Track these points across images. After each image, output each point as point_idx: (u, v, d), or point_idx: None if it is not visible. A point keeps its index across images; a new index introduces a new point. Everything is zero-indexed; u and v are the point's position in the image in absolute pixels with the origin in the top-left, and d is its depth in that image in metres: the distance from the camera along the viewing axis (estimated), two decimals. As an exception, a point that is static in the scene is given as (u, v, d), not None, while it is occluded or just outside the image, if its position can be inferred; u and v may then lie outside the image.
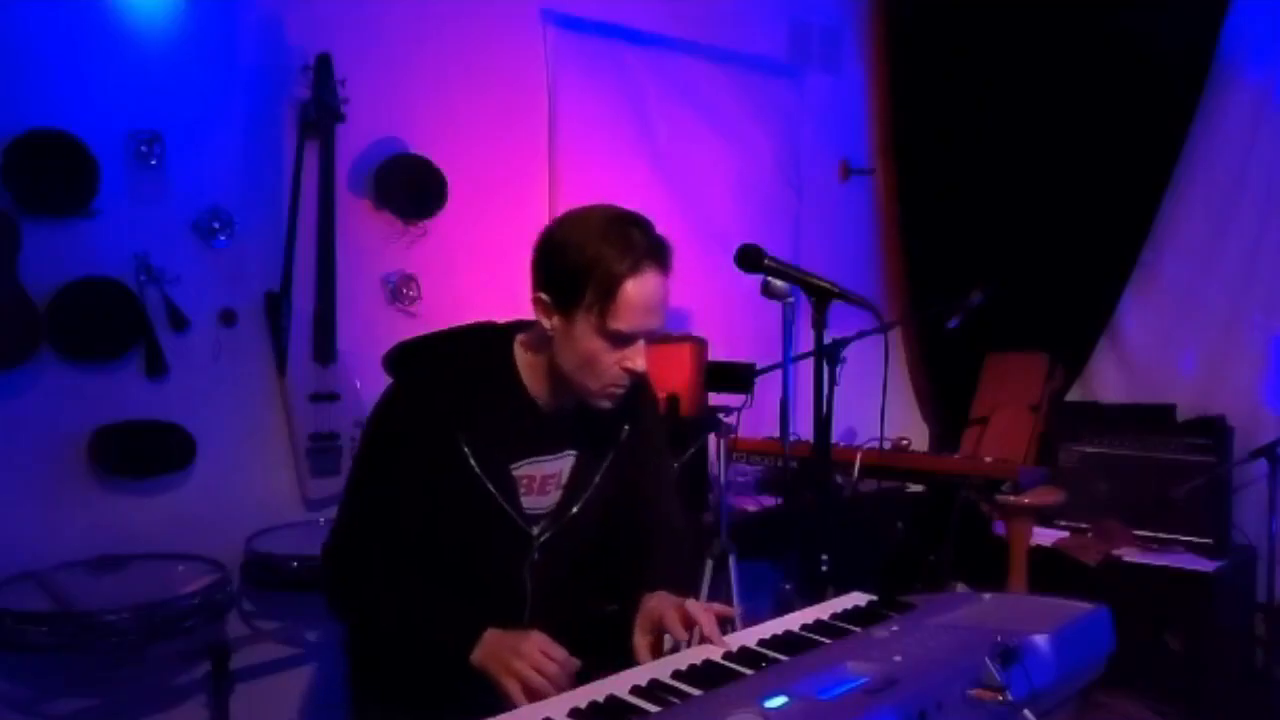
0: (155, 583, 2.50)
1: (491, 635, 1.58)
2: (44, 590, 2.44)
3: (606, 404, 1.66)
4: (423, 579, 1.69)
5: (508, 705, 1.45)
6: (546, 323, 1.62)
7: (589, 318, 1.57)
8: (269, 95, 2.99)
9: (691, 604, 1.61)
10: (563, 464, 1.74)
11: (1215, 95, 3.89)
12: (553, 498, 1.74)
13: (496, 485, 1.66)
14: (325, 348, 3.03)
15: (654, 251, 1.59)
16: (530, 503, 1.71)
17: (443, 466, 1.64)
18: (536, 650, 1.52)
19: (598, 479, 1.76)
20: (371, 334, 3.18)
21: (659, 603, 1.64)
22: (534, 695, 1.48)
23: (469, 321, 1.80)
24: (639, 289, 1.56)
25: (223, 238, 2.90)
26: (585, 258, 1.55)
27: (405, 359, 1.76)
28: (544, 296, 1.61)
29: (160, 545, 2.76)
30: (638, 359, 1.61)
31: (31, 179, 2.55)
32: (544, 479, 1.72)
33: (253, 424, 2.99)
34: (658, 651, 1.61)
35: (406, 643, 1.67)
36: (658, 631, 1.62)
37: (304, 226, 3.00)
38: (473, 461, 1.64)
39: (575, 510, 1.75)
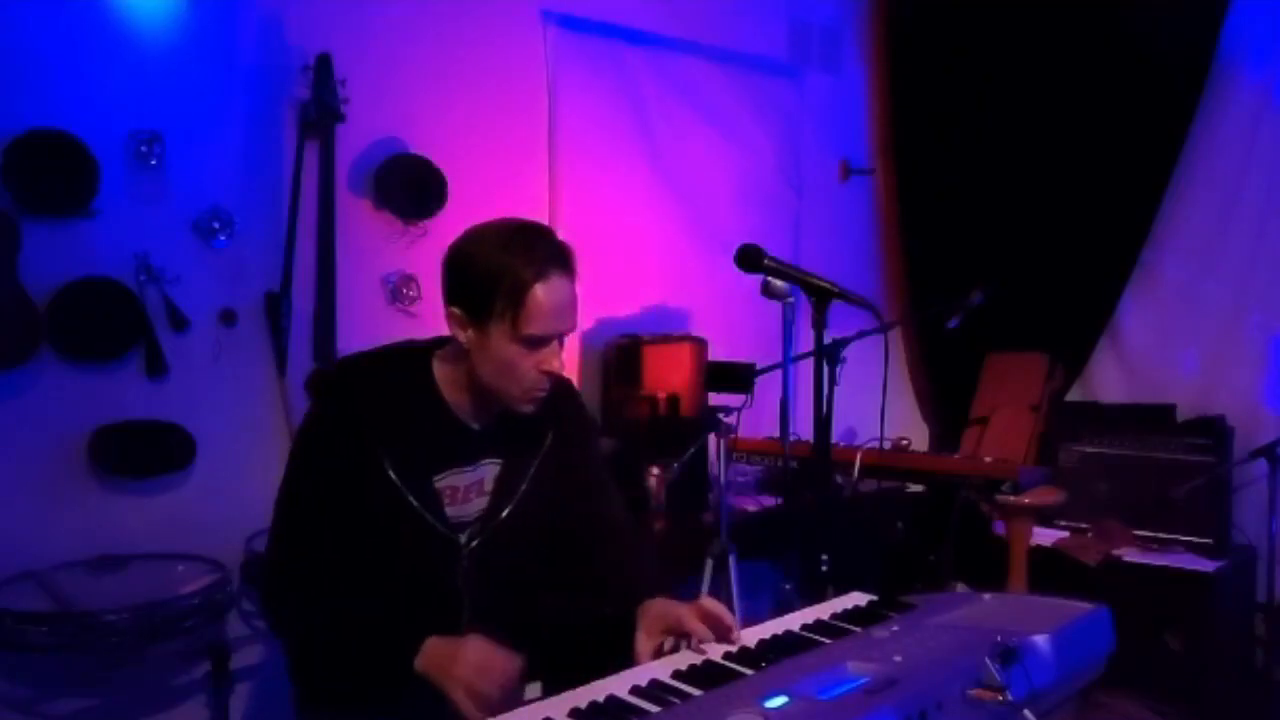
0: (155, 583, 2.50)
1: (432, 643, 1.60)
2: (44, 590, 2.44)
3: (529, 408, 1.71)
4: (359, 593, 1.71)
5: (455, 713, 1.49)
6: (462, 336, 1.67)
7: (502, 326, 1.62)
8: (269, 95, 2.99)
9: (708, 601, 1.64)
10: (485, 472, 1.77)
11: (1215, 95, 3.89)
12: (477, 505, 1.77)
13: (418, 497, 1.70)
14: (325, 348, 3.03)
15: (557, 257, 1.64)
16: (455, 512, 1.74)
17: (365, 481, 1.67)
18: (476, 655, 1.55)
19: (524, 485, 1.79)
20: (371, 334, 3.18)
21: (668, 607, 1.65)
22: (480, 699, 1.50)
23: (390, 342, 1.86)
24: (547, 293, 1.61)
25: (223, 238, 2.90)
26: (492, 269, 1.60)
27: (325, 380, 1.82)
28: (456, 310, 1.66)
29: (160, 545, 2.76)
30: (553, 360, 1.67)
31: (31, 179, 2.55)
32: (466, 488, 1.76)
33: (253, 424, 2.99)
34: (659, 654, 1.62)
35: (348, 655, 1.69)
36: (671, 633, 1.63)
37: (304, 226, 3.00)
38: (393, 475, 1.68)
39: (504, 515, 1.77)
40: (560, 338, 1.67)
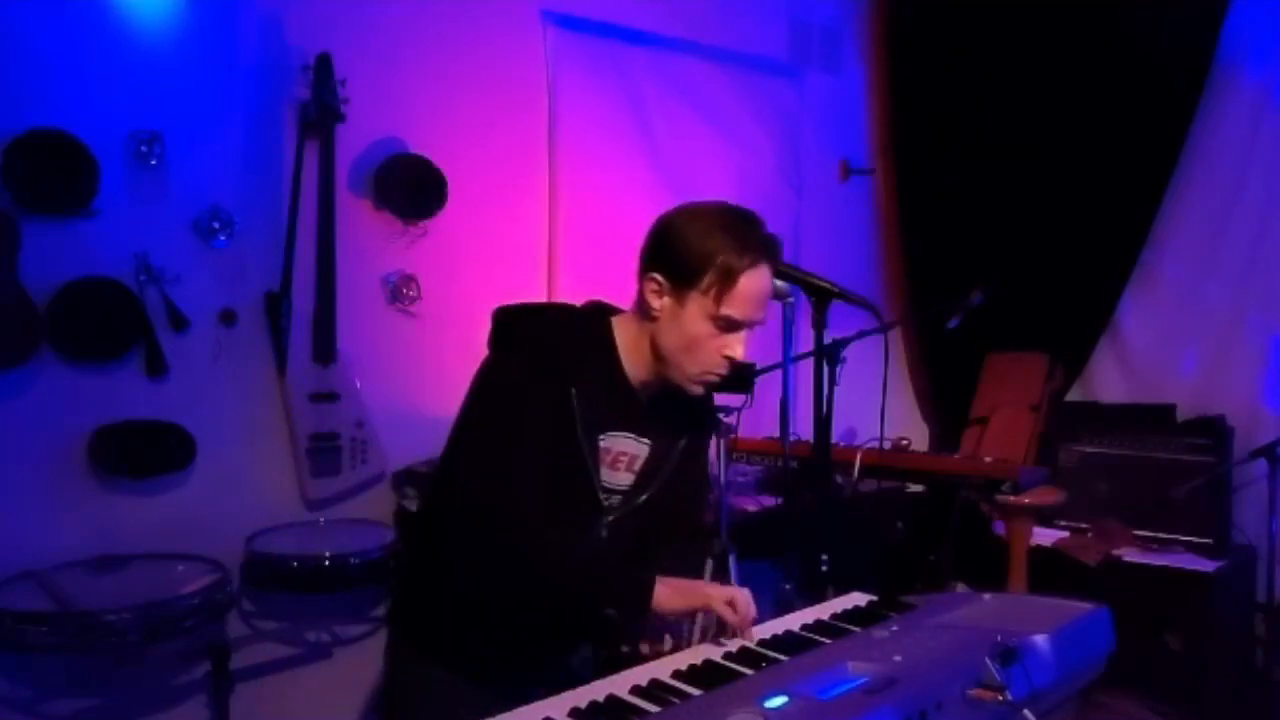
0: (155, 583, 2.50)
1: (667, 582, 1.62)
2: (44, 590, 2.44)
3: (698, 389, 1.73)
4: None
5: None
6: (656, 303, 1.68)
7: (703, 301, 1.64)
8: (269, 95, 3.00)
9: (740, 592, 1.66)
10: (636, 447, 1.78)
11: (1215, 95, 3.89)
12: (624, 479, 1.77)
13: (589, 449, 1.70)
14: (325, 348, 3.03)
15: (771, 248, 1.68)
16: (606, 476, 1.75)
17: (553, 421, 1.67)
18: (720, 585, 1.64)
19: (669, 471, 1.81)
20: (371, 334, 3.19)
21: (699, 585, 1.70)
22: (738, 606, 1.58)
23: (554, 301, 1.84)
24: (754, 281, 1.64)
25: (223, 238, 2.90)
26: (709, 246, 1.63)
27: (517, 317, 1.78)
28: (659, 277, 1.67)
29: (160, 545, 2.77)
30: (738, 347, 1.68)
31: (31, 179, 2.55)
32: (619, 456, 1.76)
33: (253, 424, 2.99)
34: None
35: (573, 594, 1.66)
36: (695, 611, 1.65)
37: (304, 226, 3.00)
38: (578, 418, 1.67)
39: (644, 498, 1.79)
40: (752, 327, 1.69)
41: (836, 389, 2.15)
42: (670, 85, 3.97)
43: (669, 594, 1.61)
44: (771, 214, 4.74)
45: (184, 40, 2.84)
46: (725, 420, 3.09)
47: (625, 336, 1.74)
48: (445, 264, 3.34)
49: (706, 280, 1.63)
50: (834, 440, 2.43)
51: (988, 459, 3.49)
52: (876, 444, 3.18)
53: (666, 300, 1.67)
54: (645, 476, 1.79)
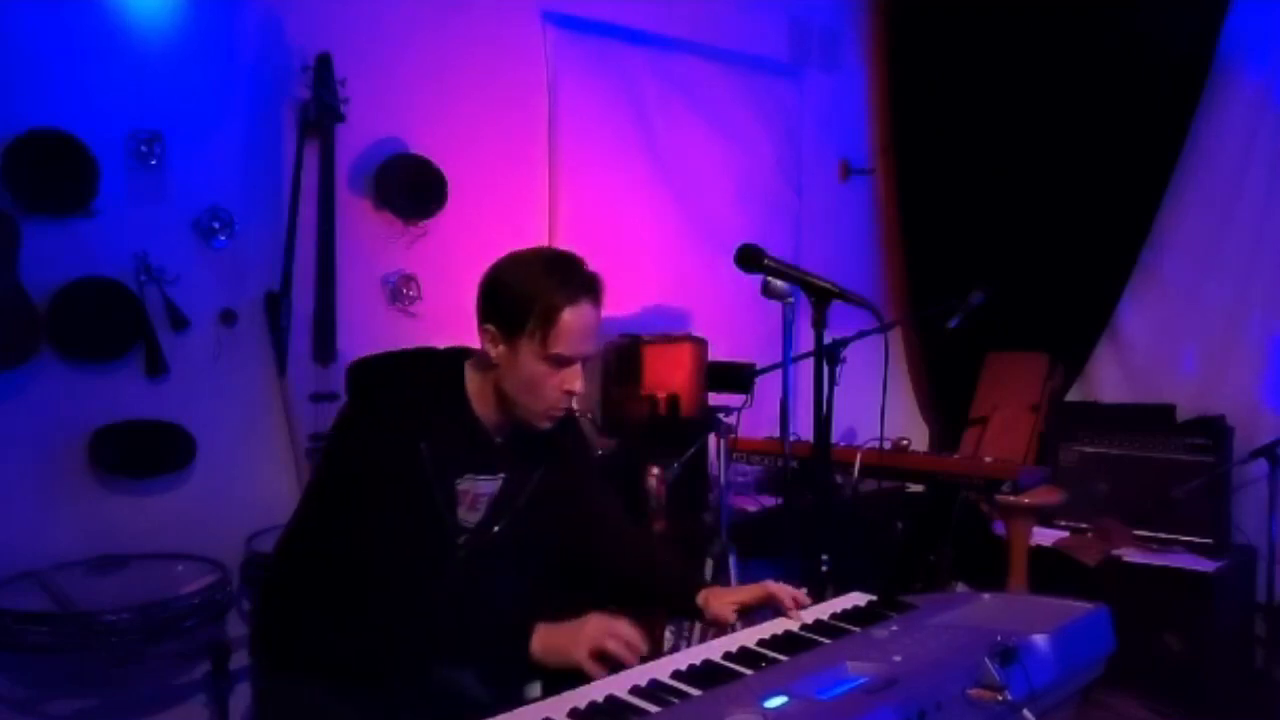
0: (155, 583, 2.50)
1: (544, 629, 1.67)
2: (44, 590, 2.44)
3: (547, 424, 1.80)
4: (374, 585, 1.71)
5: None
6: (493, 351, 1.76)
7: (531, 344, 1.72)
8: (269, 95, 2.99)
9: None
10: (495, 486, 1.84)
11: (1215, 95, 3.89)
12: (478, 515, 1.83)
13: (443, 495, 1.76)
14: (325, 348, 3.03)
15: (589, 285, 1.78)
16: (464, 517, 1.81)
17: (402, 476, 1.72)
18: (599, 621, 1.64)
19: (522, 502, 1.87)
20: (371, 334, 3.18)
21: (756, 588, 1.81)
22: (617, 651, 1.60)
23: (413, 346, 1.91)
24: (576, 317, 1.73)
25: (223, 238, 2.90)
26: (528, 290, 1.73)
27: (369, 372, 1.85)
28: (490, 327, 1.76)
29: (160, 545, 2.76)
30: (575, 381, 1.77)
31: (31, 179, 2.55)
32: (476, 496, 1.82)
33: (253, 424, 2.99)
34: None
35: (434, 655, 1.70)
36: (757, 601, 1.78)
37: (304, 226, 3.00)
38: (429, 469, 1.73)
39: (497, 529, 1.84)
40: (583, 360, 1.78)
41: (836, 389, 2.15)
42: (670, 85, 3.97)
43: (542, 649, 1.65)
44: (771, 214, 4.78)
45: (184, 40, 2.84)
46: (725, 420, 3.11)
47: (474, 382, 1.82)
48: (445, 264, 3.34)
49: (530, 324, 1.71)
50: (834, 440, 2.43)
51: (988, 459, 3.49)
52: (876, 444, 3.18)
53: (501, 348, 1.75)
54: (496, 508, 1.84)
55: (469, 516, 1.82)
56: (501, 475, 1.84)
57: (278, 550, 1.94)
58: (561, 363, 1.74)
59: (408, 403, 1.75)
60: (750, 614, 1.81)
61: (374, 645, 1.70)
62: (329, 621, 1.72)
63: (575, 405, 1.84)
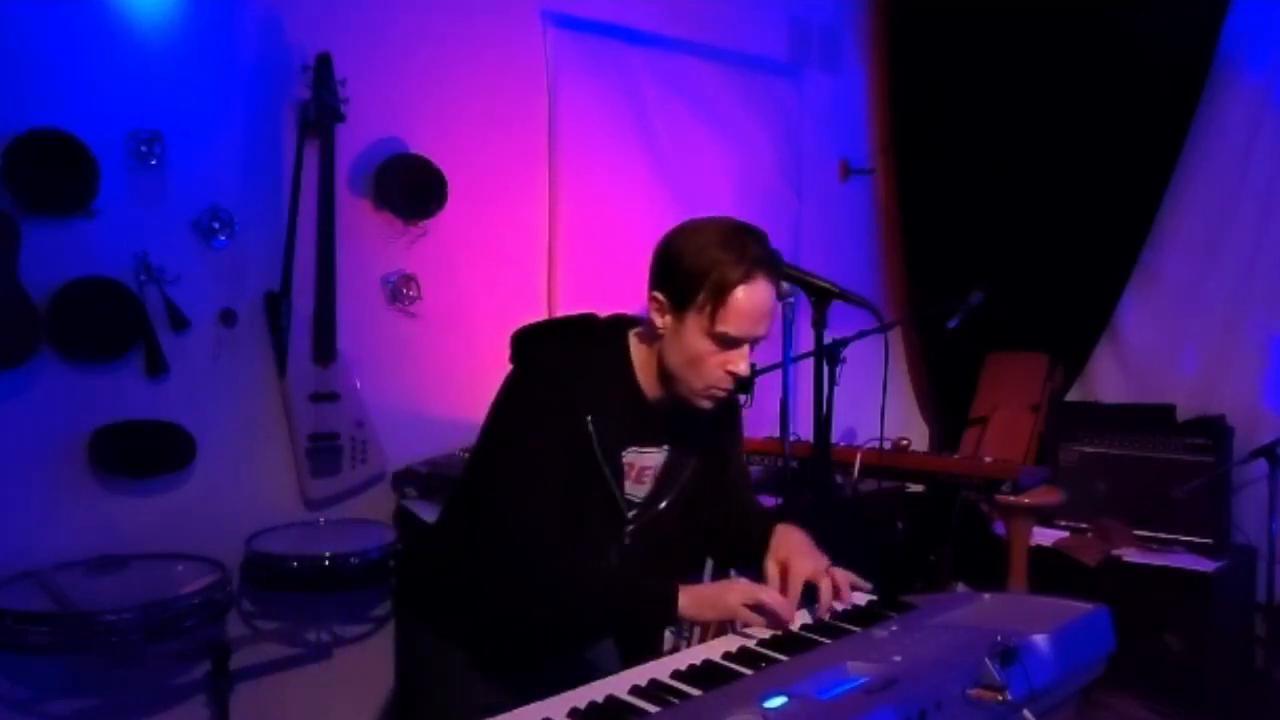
0: (155, 583, 2.50)
1: (687, 589, 1.67)
2: (44, 590, 2.44)
3: (707, 404, 1.74)
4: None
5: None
6: (659, 321, 1.70)
7: (700, 319, 1.65)
8: (269, 95, 2.99)
9: (840, 572, 1.74)
10: (659, 458, 1.82)
11: (1215, 95, 3.89)
12: (645, 488, 1.81)
13: (610, 468, 1.73)
14: (325, 348, 3.03)
15: (767, 262, 1.67)
16: (630, 490, 1.79)
17: (571, 447, 1.70)
18: (745, 584, 1.66)
19: (686, 476, 1.85)
20: (371, 334, 3.19)
21: (811, 552, 1.77)
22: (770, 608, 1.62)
23: (577, 314, 1.87)
24: (749, 296, 1.64)
25: (223, 238, 2.90)
26: (702, 262, 1.64)
27: (535, 341, 1.81)
28: (660, 296, 1.69)
29: (160, 545, 2.77)
30: (741, 363, 1.69)
31: (31, 179, 2.55)
32: (641, 469, 1.79)
33: (253, 424, 2.99)
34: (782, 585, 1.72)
35: (595, 619, 1.74)
36: (803, 579, 1.72)
37: (304, 226, 3.00)
38: (596, 443, 1.70)
39: (664, 505, 1.83)
40: (753, 342, 1.70)
41: (836, 389, 2.15)
42: (670, 85, 3.97)
43: (691, 603, 1.66)
44: (771, 214, 4.77)
45: (184, 40, 2.84)
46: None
47: (639, 353, 1.77)
48: (445, 264, 3.34)
49: (701, 298, 1.64)
50: (834, 440, 2.43)
51: (988, 459, 3.49)
52: (876, 444, 3.18)
53: (669, 319, 1.69)
54: (662, 483, 1.83)
55: (636, 490, 1.80)
56: (665, 447, 1.81)
57: (443, 514, 1.96)
58: (729, 343, 1.66)
59: (574, 373, 1.71)
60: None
61: (540, 614, 1.71)
62: (496, 588, 1.71)
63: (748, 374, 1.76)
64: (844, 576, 1.74)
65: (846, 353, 2.27)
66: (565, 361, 1.73)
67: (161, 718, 2.83)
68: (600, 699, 1.35)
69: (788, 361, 2.76)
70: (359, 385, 3.10)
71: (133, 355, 2.76)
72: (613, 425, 1.72)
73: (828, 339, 2.06)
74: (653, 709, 1.31)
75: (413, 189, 3.23)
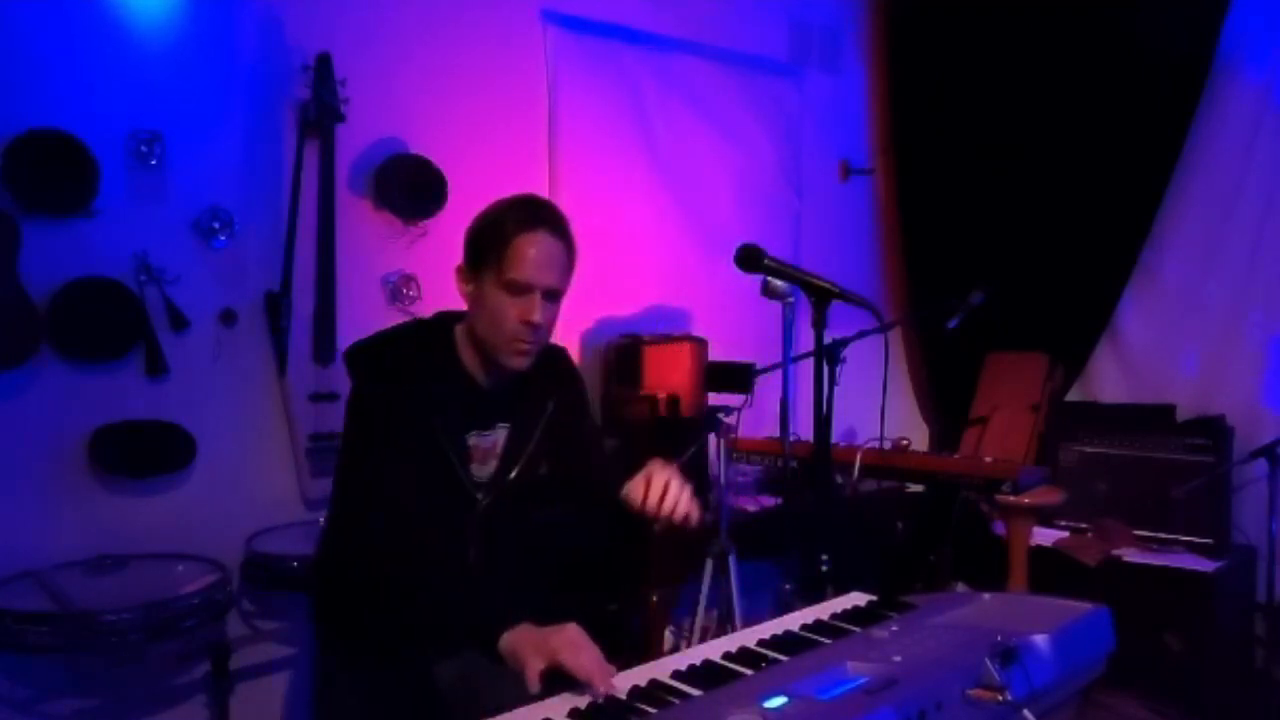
0: (155, 583, 2.50)
1: (523, 629, 1.56)
2: (44, 590, 2.44)
3: (516, 361, 1.81)
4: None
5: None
6: (464, 291, 1.83)
7: (492, 275, 1.77)
8: (269, 95, 2.99)
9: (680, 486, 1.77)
10: (498, 436, 1.90)
11: (1215, 95, 3.89)
12: (490, 468, 1.89)
13: (455, 454, 1.83)
14: (325, 348, 3.03)
15: (547, 218, 1.81)
16: (475, 472, 1.88)
17: (415, 438, 1.78)
18: (573, 632, 1.51)
19: (530, 448, 1.92)
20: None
21: (663, 464, 1.81)
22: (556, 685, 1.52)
23: (403, 321, 1.98)
24: (531, 241, 1.76)
25: (222, 238, 2.90)
26: (490, 222, 1.81)
27: (365, 353, 1.89)
28: (461, 266, 1.84)
29: (160, 545, 2.76)
30: (534, 312, 1.77)
31: (31, 179, 2.55)
32: (484, 450, 1.88)
33: (253, 424, 2.99)
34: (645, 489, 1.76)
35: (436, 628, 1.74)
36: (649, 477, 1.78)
37: (304, 226, 3.00)
38: (438, 432, 1.80)
39: (512, 477, 1.90)
40: (544, 293, 1.78)
41: (836, 389, 2.15)
42: (670, 85, 3.97)
43: (512, 646, 1.52)
44: (771, 214, 4.78)
45: (184, 40, 2.84)
46: (725, 420, 3.10)
47: (463, 337, 1.87)
48: (445, 264, 3.28)
49: (491, 254, 1.76)
50: (834, 440, 2.43)
51: (988, 459, 3.49)
52: (876, 444, 3.19)
53: (470, 286, 1.82)
54: (506, 459, 1.90)
55: (483, 471, 1.87)
56: (506, 425, 1.89)
57: (321, 536, 2.03)
58: (517, 289, 1.75)
59: (406, 374, 1.80)
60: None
61: (396, 616, 1.74)
62: (371, 592, 1.75)
63: (544, 326, 1.82)
64: (684, 489, 1.76)
65: (846, 353, 2.27)
66: (396, 364, 1.82)
67: (161, 718, 2.83)
68: (600, 699, 1.35)
69: (788, 361, 2.77)
70: (359, 385, 3.10)
71: (133, 355, 2.76)
72: (451, 414, 1.82)
73: (828, 339, 2.06)
74: (652, 709, 1.31)
75: (413, 189, 3.23)
